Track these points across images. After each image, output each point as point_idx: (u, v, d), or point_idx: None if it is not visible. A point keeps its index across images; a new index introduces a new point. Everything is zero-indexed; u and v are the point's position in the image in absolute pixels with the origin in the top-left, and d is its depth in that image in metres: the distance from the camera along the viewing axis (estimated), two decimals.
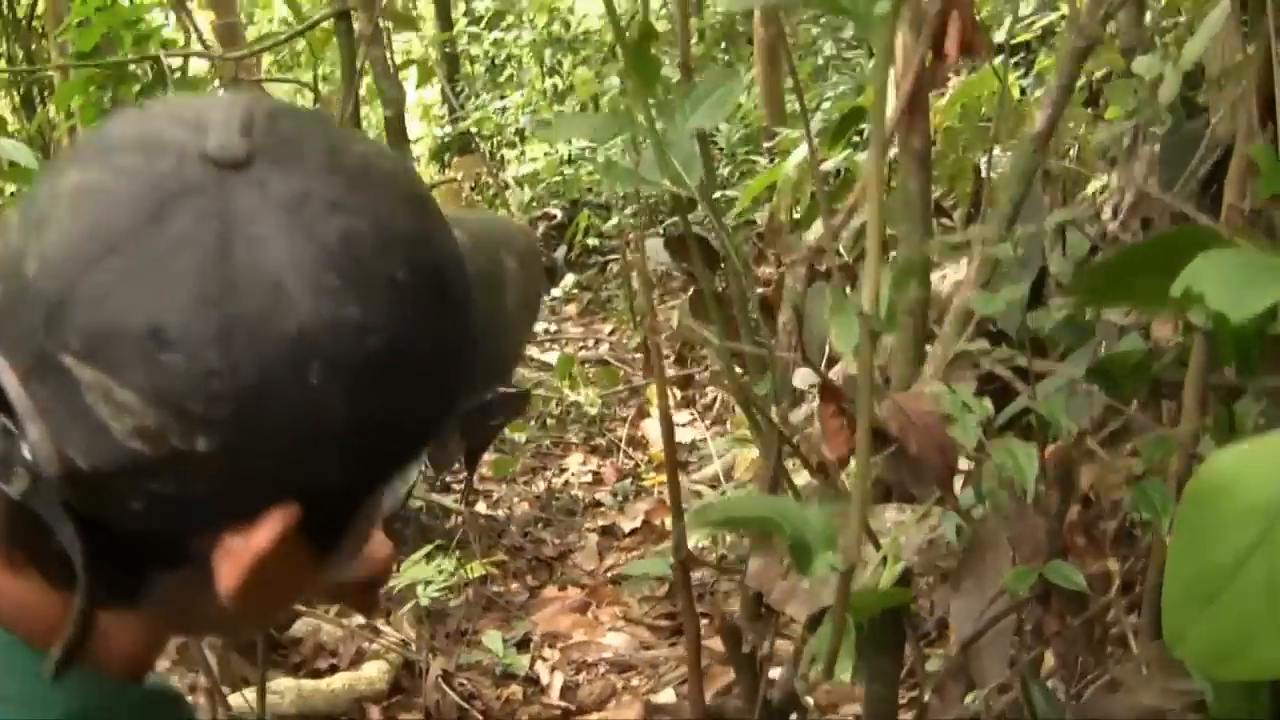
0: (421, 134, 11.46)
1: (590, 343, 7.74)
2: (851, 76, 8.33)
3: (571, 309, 8.79)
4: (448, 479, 5.32)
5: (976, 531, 1.93)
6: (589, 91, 10.19)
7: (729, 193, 7.14)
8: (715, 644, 2.85)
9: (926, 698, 2.04)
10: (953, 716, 2.04)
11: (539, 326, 8.16)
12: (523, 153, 10.82)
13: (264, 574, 0.86)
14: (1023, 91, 4.99)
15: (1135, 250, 1.94)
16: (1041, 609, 1.90)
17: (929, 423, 1.91)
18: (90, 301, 0.79)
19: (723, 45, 10.02)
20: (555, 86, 11.20)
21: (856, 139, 4.19)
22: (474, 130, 10.82)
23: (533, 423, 5.87)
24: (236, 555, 0.85)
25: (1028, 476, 1.73)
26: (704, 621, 3.45)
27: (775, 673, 2.13)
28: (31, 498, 0.82)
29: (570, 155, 10.11)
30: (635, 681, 3.45)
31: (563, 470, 5.60)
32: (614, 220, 8.88)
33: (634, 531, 4.67)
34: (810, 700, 3.03)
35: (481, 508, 5.12)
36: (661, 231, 6.77)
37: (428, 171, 11.34)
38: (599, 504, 5.15)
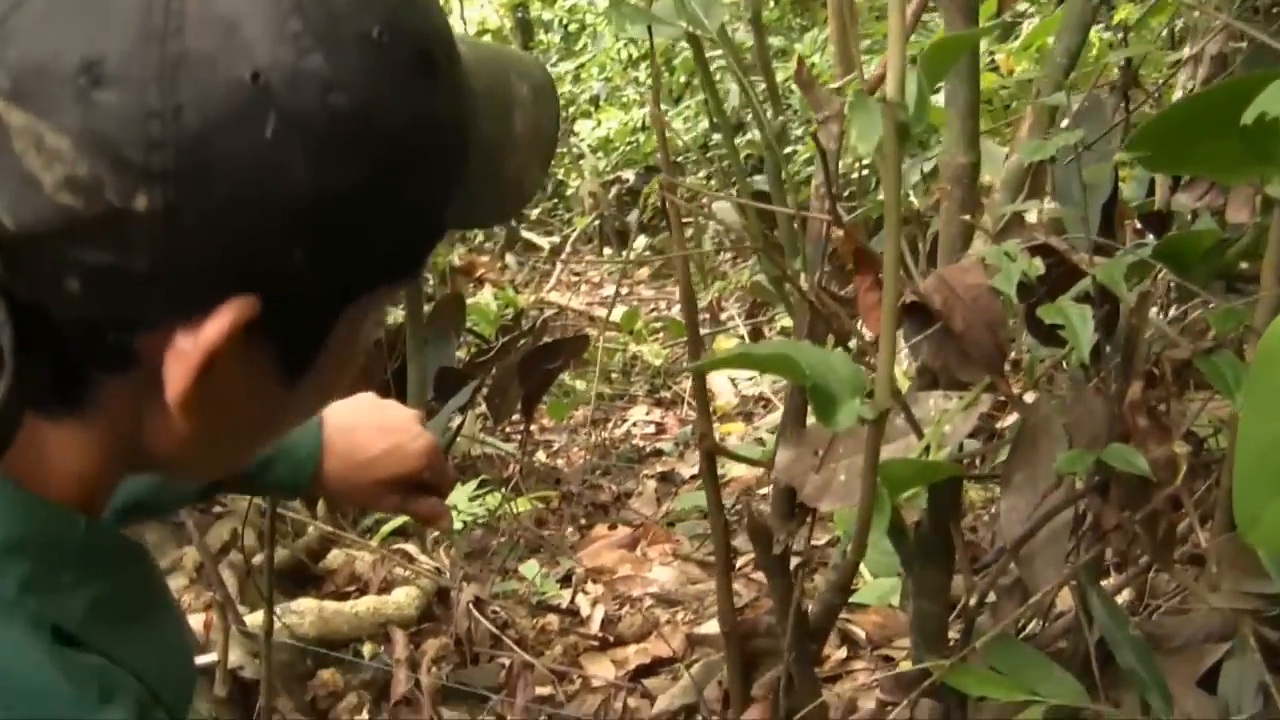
0: None
1: (662, 305, 7.62)
2: (927, 36, 8.16)
3: (644, 272, 8.67)
4: (507, 429, 5.23)
5: (1027, 418, 1.76)
6: (663, 54, 10.06)
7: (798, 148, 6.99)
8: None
9: (973, 602, 1.88)
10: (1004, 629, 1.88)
11: (609, 290, 8.08)
12: (598, 122, 10.72)
13: (216, 382, 0.79)
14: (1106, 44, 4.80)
15: (1198, 100, 1.78)
16: (1100, 501, 1.72)
17: (977, 296, 1.75)
18: (21, 34, 0.72)
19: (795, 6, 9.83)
20: (630, 54, 11.06)
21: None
22: None
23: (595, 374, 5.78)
24: (185, 354, 0.78)
25: (1082, 340, 1.57)
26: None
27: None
28: None
29: (643, 122, 10.02)
30: (680, 615, 3.33)
31: (624, 421, 5.48)
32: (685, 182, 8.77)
33: (693, 478, 4.53)
34: (861, 633, 2.89)
35: (541, 457, 5.01)
36: (734, 193, 6.64)
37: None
38: (660, 453, 5.04)
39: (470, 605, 3.15)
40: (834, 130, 1.72)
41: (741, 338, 6.04)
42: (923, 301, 1.76)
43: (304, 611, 2.68)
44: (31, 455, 0.81)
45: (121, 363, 0.80)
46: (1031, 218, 2.27)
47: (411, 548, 3.47)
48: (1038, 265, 1.61)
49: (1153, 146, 1.71)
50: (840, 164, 5.85)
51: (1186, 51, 2.56)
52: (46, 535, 0.82)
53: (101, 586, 0.85)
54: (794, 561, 1.97)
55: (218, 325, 0.77)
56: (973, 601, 1.88)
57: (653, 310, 7.40)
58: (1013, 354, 1.86)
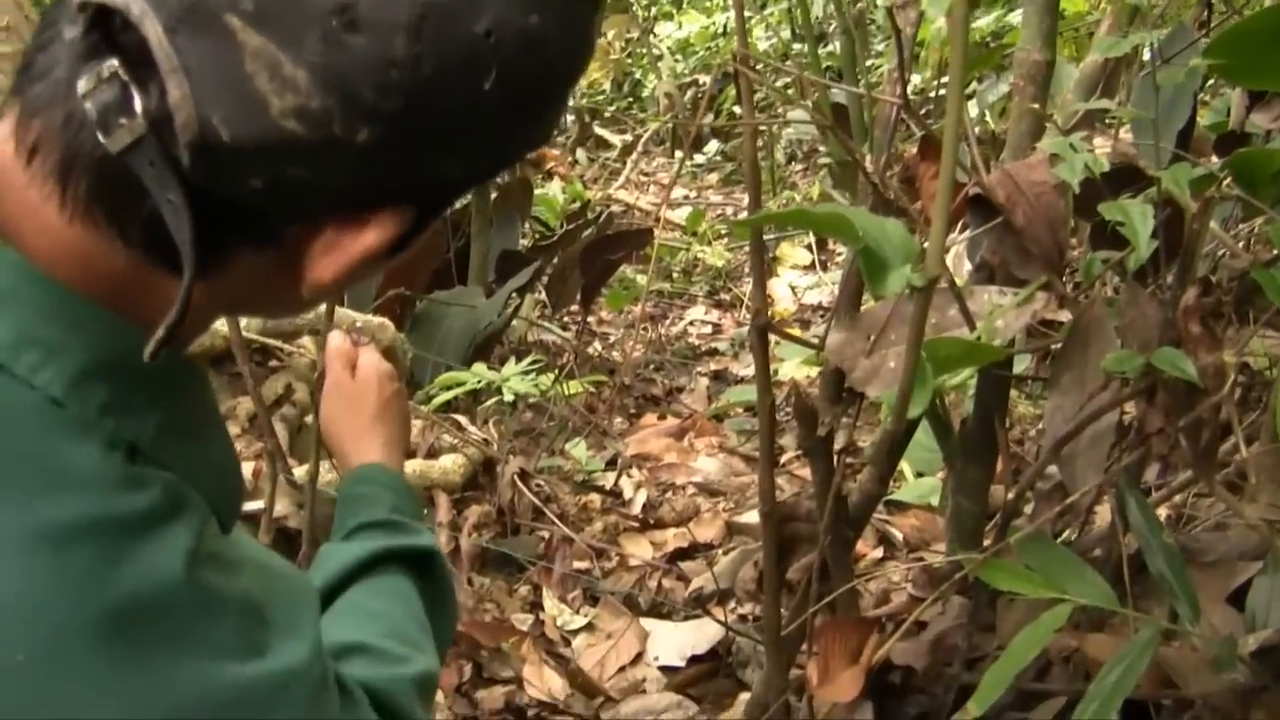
0: None
1: (729, 211, 7.59)
2: None
3: (713, 177, 8.63)
4: (564, 318, 5.26)
5: (1079, 318, 1.76)
6: None
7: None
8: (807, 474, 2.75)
9: (1010, 496, 1.89)
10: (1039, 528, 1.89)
11: (677, 192, 8.06)
12: (679, 24, 10.63)
13: (354, 270, 0.87)
14: None
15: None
16: (1145, 405, 1.73)
17: (1040, 193, 1.75)
18: None
19: None
20: None
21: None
22: None
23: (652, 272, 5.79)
24: (343, 249, 0.86)
25: (1141, 239, 1.57)
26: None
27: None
28: (132, 156, 0.78)
29: (725, 26, 9.93)
30: (721, 505, 3.36)
31: (682, 319, 5.49)
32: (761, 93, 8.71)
33: (746, 379, 4.53)
34: (899, 535, 2.90)
35: (596, 347, 5.04)
36: (810, 103, 6.60)
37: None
38: (715, 352, 5.06)
39: (515, 477, 3.18)
40: (911, 15, 1.72)
41: (808, 247, 6.02)
42: (987, 195, 1.76)
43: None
44: (144, 296, 0.86)
45: (267, 242, 0.86)
46: (1110, 133, 2.26)
47: (462, 419, 3.51)
48: (1102, 161, 1.60)
49: (1230, 54, 1.70)
50: (920, 79, 5.81)
51: None
52: (126, 359, 0.85)
53: (169, 407, 0.89)
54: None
55: (380, 232, 0.85)
56: (1010, 496, 1.89)
57: (719, 215, 7.37)
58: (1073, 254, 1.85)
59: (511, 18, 0.79)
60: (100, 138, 0.78)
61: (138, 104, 0.77)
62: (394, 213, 0.85)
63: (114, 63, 0.78)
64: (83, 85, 0.78)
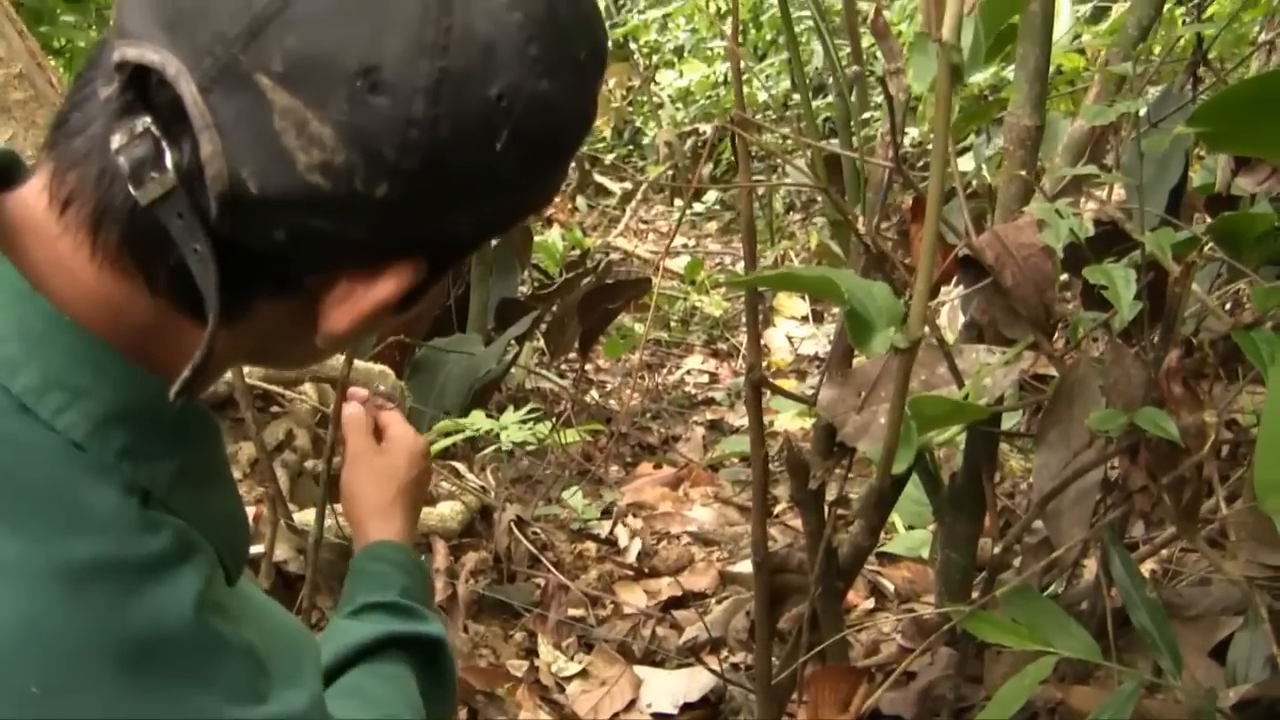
0: None
1: (727, 260, 7.63)
2: None
3: (712, 226, 8.68)
4: (562, 366, 5.29)
5: (1066, 376, 1.80)
6: (750, 10, 10.03)
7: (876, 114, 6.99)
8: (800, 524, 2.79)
9: (998, 550, 1.93)
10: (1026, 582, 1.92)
11: (677, 241, 8.10)
12: (680, 72, 10.69)
13: (367, 321, 0.90)
14: (1184, 22, 4.78)
15: (1264, 80, 1.81)
16: (1129, 462, 1.77)
17: (1028, 255, 1.80)
18: (304, 25, 0.79)
19: None
20: (718, 7, 11.02)
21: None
22: (631, 43, 10.71)
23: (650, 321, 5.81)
24: (356, 300, 0.89)
25: (1124, 301, 1.61)
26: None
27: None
28: (161, 208, 0.82)
29: (725, 76, 9.99)
30: (715, 554, 3.39)
31: (679, 368, 5.53)
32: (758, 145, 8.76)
33: (742, 429, 4.57)
34: (890, 586, 2.94)
35: (594, 395, 5.07)
36: (806, 155, 6.65)
37: None
38: (711, 401, 5.09)
39: (512, 524, 3.22)
40: (903, 81, 1.77)
41: (804, 298, 6.06)
42: (976, 255, 1.80)
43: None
44: (168, 344, 0.90)
45: (286, 291, 0.90)
46: (1100, 194, 2.30)
47: (460, 466, 3.54)
48: (1088, 225, 1.65)
49: (1215, 122, 1.75)
50: (917, 132, 5.86)
51: (1262, 36, 2.57)
52: (147, 407, 0.89)
53: (185, 456, 0.93)
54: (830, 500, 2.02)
55: (394, 284, 0.89)
56: (997, 550, 1.93)
57: (718, 264, 7.41)
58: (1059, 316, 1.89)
59: (524, 83, 0.83)
60: (131, 190, 0.82)
61: (169, 159, 0.81)
62: (407, 265, 0.89)
63: (147, 120, 0.82)
64: (117, 141, 0.82)
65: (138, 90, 0.82)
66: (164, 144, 0.82)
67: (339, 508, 2.72)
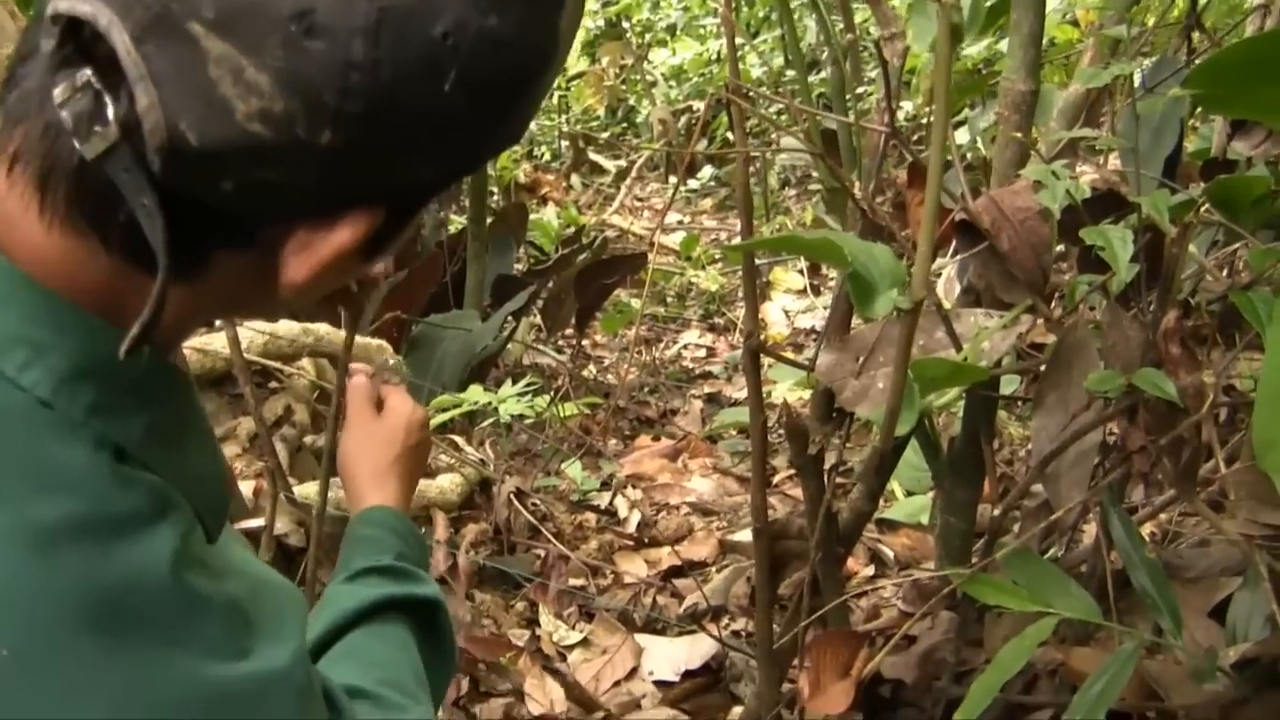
0: None
1: (723, 236, 7.64)
2: None
3: (707, 203, 8.69)
4: (559, 341, 5.30)
5: (1063, 339, 1.81)
6: None
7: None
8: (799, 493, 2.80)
9: (996, 513, 1.94)
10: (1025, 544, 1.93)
11: (672, 217, 8.11)
12: (674, 50, 10.68)
13: (328, 270, 0.88)
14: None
15: (1258, 43, 1.82)
16: (1127, 423, 1.78)
17: (1025, 219, 1.80)
18: None
19: None
20: None
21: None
22: (624, 21, 10.70)
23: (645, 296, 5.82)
24: (314, 249, 0.87)
25: (1121, 263, 1.62)
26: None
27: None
28: (107, 161, 0.80)
29: (718, 54, 9.98)
30: (714, 524, 3.40)
31: (676, 343, 5.54)
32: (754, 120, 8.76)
33: (739, 401, 4.58)
34: (890, 553, 2.95)
35: (591, 370, 5.08)
36: (801, 128, 6.66)
37: (577, 62, 11.30)
38: (709, 375, 5.11)
39: (511, 496, 3.23)
40: (898, 46, 1.77)
41: (801, 271, 6.07)
42: (972, 220, 1.81)
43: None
44: (129, 300, 0.87)
45: (241, 243, 0.88)
46: (1098, 160, 2.31)
47: (459, 439, 3.55)
48: (1084, 187, 1.65)
49: (1209, 85, 1.75)
50: (911, 105, 5.86)
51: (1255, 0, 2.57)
52: (114, 363, 0.87)
53: (157, 412, 0.92)
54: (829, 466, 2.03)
55: (351, 232, 0.87)
56: (996, 514, 1.94)
57: (713, 239, 7.42)
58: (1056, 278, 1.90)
59: (469, 20, 0.80)
60: (76, 145, 0.80)
61: (110, 111, 0.79)
62: (365, 212, 0.87)
63: (87, 72, 0.80)
64: (58, 95, 0.80)
65: (76, 42, 0.81)
66: (105, 96, 0.80)
67: (339, 482, 2.75)
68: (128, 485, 0.86)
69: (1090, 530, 2.31)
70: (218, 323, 2.82)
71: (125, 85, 0.78)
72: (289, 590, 1.11)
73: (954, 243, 1.97)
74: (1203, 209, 1.82)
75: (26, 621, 0.78)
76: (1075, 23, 5.01)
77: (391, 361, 1.91)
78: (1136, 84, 2.00)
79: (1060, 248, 1.91)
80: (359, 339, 3.46)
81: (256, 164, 0.80)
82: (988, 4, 1.76)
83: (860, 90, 6.15)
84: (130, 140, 0.80)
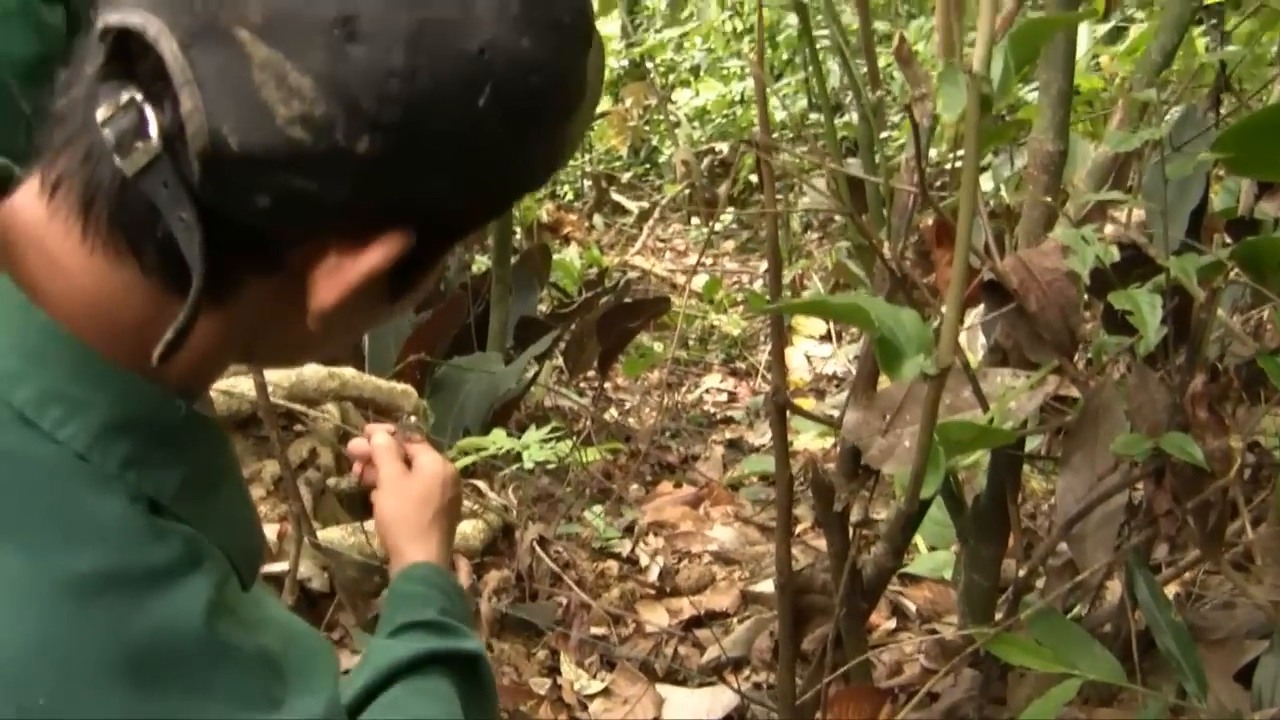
0: None
1: (745, 279, 7.63)
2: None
3: (729, 245, 8.69)
4: (581, 384, 5.30)
5: (1090, 400, 1.81)
6: (767, 29, 10.05)
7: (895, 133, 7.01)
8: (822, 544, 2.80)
9: (1022, 573, 1.93)
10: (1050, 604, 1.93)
11: (692, 259, 8.12)
12: (697, 91, 10.72)
13: (354, 300, 0.89)
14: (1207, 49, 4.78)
15: None
16: (1154, 487, 1.78)
17: (1053, 280, 1.81)
18: None
19: None
20: (734, 28, 11.05)
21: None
22: (648, 62, 10.75)
23: (675, 341, 5.83)
24: (344, 272, 0.88)
25: (1149, 326, 1.62)
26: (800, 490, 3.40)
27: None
28: (147, 176, 0.82)
29: (742, 95, 10.01)
30: (736, 573, 3.39)
31: (698, 387, 5.54)
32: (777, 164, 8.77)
33: (761, 448, 4.58)
34: (912, 607, 2.94)
35: (613, 414, 5.08)
36: (826, 174, 6.67)
37: (600, 102, 11.33)
38: (730, 420, 5.10)
39: (534, 543, 3.23)
40: (928, 106, 1.78)
41: (824, 317, 6.07)
42: (1000, 280, 1.81)
43: (375, 532, 2.77)
44: (162, 333, 0.88)
45: (272, 268, 0.89)
46: (1121, 216, 2.31)
47: (481, 484, 3.55)
48: (1113, 251, 1.66)
49: (1239, 148, 1.76)
50: (936, 152, 5.87)
51: None
52: (148, 416, 0.90)
53: (190, 463, 0.93)
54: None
55: (381, 253, 0.87)
56: (1021, 573, 1.94)
57: (735, 283, 7.42)
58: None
59: (504, 39, 0.82)
60: (117, 161, 0.82)
61: (153, 127, 0.81)
62: (394, 235, 0.87)
63: (131, 90, 0.82)
64: (101, 114, 0.82)
65: (122, 61, 0.82)
66: (147, 111, 0.81)
67: (369, 524, 2.75)
68: (162, 537, 0.87)
69: (1115, 590, 2.31)
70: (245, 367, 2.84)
71: (170, 93, 0.80)
72: (319, 641, 1.12)
73: (980, 301, 1.97)
74: (1231, 271, 1.83)
75: (61, 671, 0.78)
76: (1099, 69, 5.02)
77: (414, 418, 1.91)
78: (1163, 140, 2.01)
79: (1085, 298, 1.91)
80: (383, 383, 3.48)
81: (294, 172, 0.81)
82: (1019, 70, 1.77)
83: (884, 135, 6.18)
84: (171, 153, 0.81)
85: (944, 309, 1.84)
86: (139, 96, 0.81)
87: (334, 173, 0.82)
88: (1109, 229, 2.14)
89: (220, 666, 0.86)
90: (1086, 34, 4.55)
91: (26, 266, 0.88)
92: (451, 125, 0.83)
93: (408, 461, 1.66)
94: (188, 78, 0.79)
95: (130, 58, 0.82)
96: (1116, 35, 5.46)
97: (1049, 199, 1.84)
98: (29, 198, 0.89)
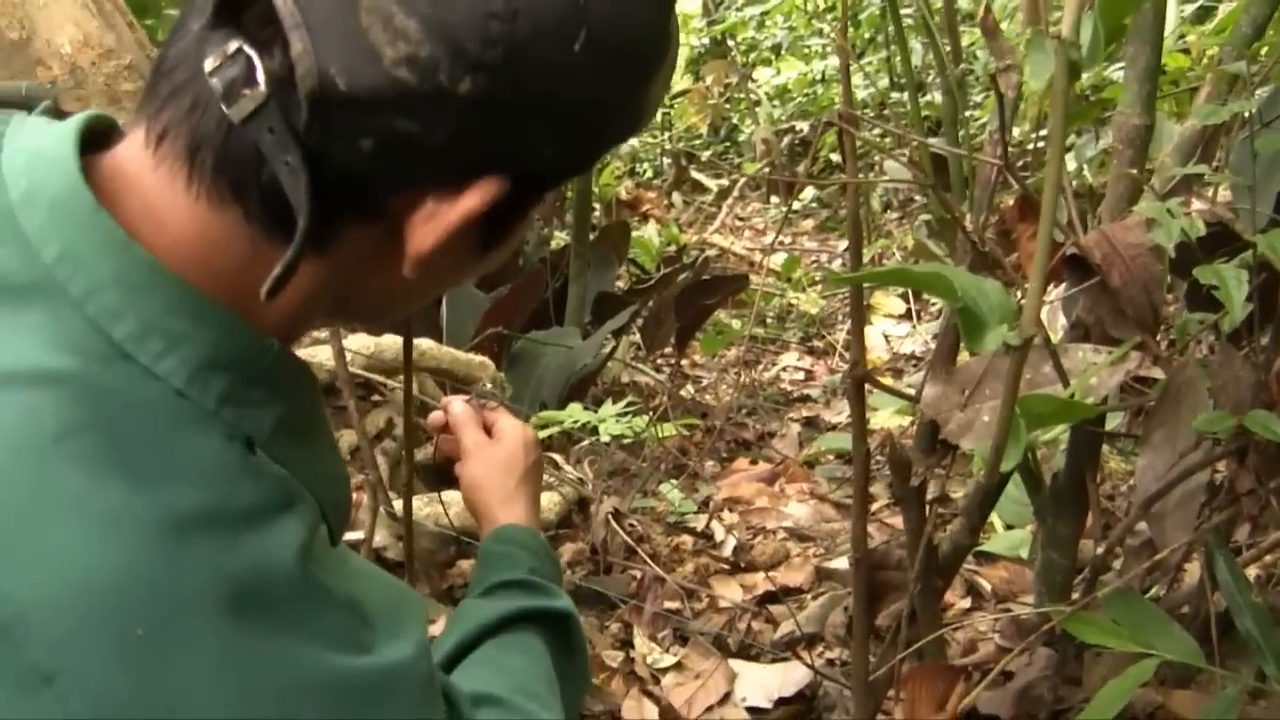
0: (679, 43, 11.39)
1: (824, 258, 7.60)
2: None
3: (808, 223, 8.65)
4: (658, 360, 5.30)
5: (1172, 377, 1.79)
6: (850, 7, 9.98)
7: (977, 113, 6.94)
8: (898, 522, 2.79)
9: (1099, 552, 1.92)
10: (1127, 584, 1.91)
11: (770, 238, 8.09)
12: (778, 70, 10.67)
13: (450, 245, 0.92)
14: None
15: None
16: (1236, 465, 1.75)
17: (1136, 255, 1.78)
18: None
19: None
20: (816, 5, 10.98)
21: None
22: (729, 40, 10.71)
23: (752, 319, 5.81)
24: (442, 216, 0.91)
25: (1235, 302, 1.59)
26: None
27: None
28: (253, 122, 0.85)
29: (823, 74, 9.96)
30: (811, 550, 3.38)
31: (775, 365, 5.52)
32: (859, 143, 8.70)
33: (838, 426, 4.56)
34: (988, 586, 2.92)
35: (689, 390, 5.08)
36: (906, 153, 6.63)
37: (680, 80, 11.33)
38: (807, 398, 5.07)
39: (609, 516, 3.23)
40: (1012, 79, 1.76)
41: (902, 296, 6.04)
42: (1083, 255, 1.79)
43: (451, 502, 2.78)
44: (260, 285, 0.90)
45: (372, 214, 0.92)
46: (1208, 193, 2.28)
47: (557, 458, 3.57)
48: (1199, 225, 1.63)
49: None
50: (1019, 132, 5.83)
51: None
52: (244, 354, 0.92)
53: (285, 406, 0.95)
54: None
55: (477, 197, 0.90)
56: (1099, 551, 1.92)
57: (814, 261, 7.39)
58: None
59: None
60: (224, 109, 0.85)
61: (260, 75, 0.84)
62: (489, 181, 0.91)
63: (238, 41, 0.85)
64: (209, 64, 0.85)
65: (230, 10, 0.85)
66: (255, 59, 0.84)
67: (445, 495, 2.77)
68: (257, 477, 0.89)
69: (1194, 571, 2.28)
70: (323, 333, 2.87)
71: (279, 38, 0.83)
72: (406, 591, 1.14)
73: (1062, 276, 1.95)
74: None
75: (160, 604, 0.79)
76: (1187, 51, 4.94)
77: (489, 385, 1.93)
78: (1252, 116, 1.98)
79: (1169, 278, 1.89)
80: (461, 354, 3.50)
81: (398, 113, 0.85)
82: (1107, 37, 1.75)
83: (967, 113, 6.13)
84: (278, 98, 0.84)
85: (1027, 282, 1.83)
86: (246, 45, 0.84)
87: (436, 114, 0.85)
88: (1195, 205, 2.11)
89: (313, 607, 0.88)
90: (1174, 12, 4.48)
91: (128, 213, 0.90)
92: (548, 69, 0.86)
93: (487, 430, 1.68)
94: (297, 21, 0.82)
95: (238, 7, 0.85)
96: (1205, 15, 5.37)
97: (1134, 173, 1.81)
98: (134, 148, 0.92)
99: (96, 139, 0.95)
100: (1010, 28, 7.71)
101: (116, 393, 0.85)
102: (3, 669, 0.76)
